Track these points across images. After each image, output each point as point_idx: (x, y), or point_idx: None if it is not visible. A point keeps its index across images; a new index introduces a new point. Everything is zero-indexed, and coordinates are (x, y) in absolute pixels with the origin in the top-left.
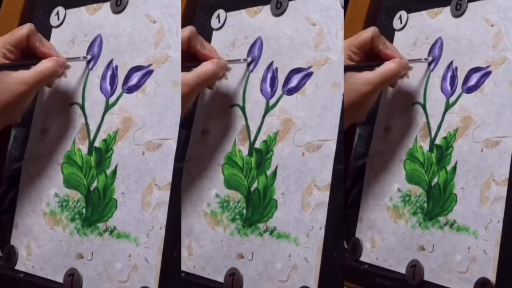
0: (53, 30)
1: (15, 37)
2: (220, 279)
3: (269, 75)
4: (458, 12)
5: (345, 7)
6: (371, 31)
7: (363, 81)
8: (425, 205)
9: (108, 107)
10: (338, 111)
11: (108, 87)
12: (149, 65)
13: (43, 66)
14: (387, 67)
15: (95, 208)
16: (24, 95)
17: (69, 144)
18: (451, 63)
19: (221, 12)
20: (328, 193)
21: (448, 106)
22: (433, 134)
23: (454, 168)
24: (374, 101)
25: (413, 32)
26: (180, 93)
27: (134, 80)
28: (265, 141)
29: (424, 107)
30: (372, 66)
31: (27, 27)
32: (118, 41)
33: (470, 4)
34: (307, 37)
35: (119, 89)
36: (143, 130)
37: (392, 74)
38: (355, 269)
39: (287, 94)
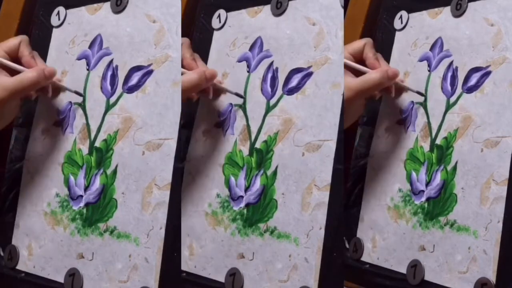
0: (54, 30)
1: (8, 44)
2: (221, 279)
3: (270, 75)
4: (458, 12)
5: (345, 7)
6: (365, 40)
7: (345, 86)
8: (426, 205)
9: (108, 107)
10: (338, 111)
11: (109, 87)
12: (149, 65)
13: (25, 75)
14: (370, 76)
15: (96, 208)
16: (3, 101)
17: (69, 144)
18: (451, 63)
19: (221, 12)
20: (328, 193)
21: (448, 106)
22: (433, 134)
23: (455, 168)
24: (360, 110)
25: (414, 32)
26: (181, 93)
27: (134, 80)
28: (265, 141)
29: (424, 107)
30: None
31: (20, 37)
32: (118, 41)
33: (470, 4)
34: (307, 37)
35: (119, 89)
36: (143, 130)
37: (373, 83)
38: (356, 269)
39: (287, 94)
